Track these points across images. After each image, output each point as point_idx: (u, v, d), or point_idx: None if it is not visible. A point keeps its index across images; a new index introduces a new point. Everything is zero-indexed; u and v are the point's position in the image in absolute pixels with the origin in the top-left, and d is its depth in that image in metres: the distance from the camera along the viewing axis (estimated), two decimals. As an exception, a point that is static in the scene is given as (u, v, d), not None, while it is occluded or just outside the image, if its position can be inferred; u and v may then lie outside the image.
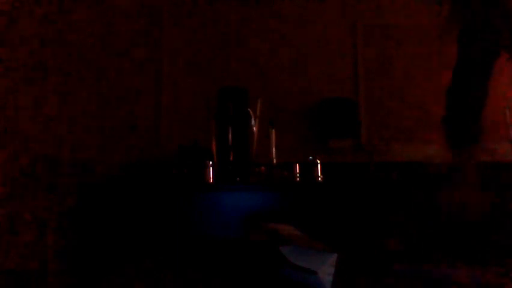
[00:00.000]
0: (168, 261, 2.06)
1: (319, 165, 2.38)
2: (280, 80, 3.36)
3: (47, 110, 2.44)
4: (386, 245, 2.18)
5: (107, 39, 3.01)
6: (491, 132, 2.70)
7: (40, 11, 2.37)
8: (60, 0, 2.52)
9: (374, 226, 2.22)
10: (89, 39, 2.81)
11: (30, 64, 2.30)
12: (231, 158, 2.38)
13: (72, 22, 2.64)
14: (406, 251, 2.16)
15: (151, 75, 3.33)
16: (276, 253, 1.80)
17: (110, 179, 2.58)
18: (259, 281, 1.84)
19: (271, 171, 2.45)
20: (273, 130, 2.54)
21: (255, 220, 2.15)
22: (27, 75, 2.30)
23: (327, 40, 3.43)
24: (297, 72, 3.38)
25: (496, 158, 2.82)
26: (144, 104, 3.25)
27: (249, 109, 2.50)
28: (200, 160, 2.37)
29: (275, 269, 1.81)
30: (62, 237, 2.33)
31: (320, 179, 2.37)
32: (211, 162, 2.33)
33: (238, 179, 2.36)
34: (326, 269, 1.75)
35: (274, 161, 2.50)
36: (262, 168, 2.46)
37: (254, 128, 2.52)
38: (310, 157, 2.42)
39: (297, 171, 2.37)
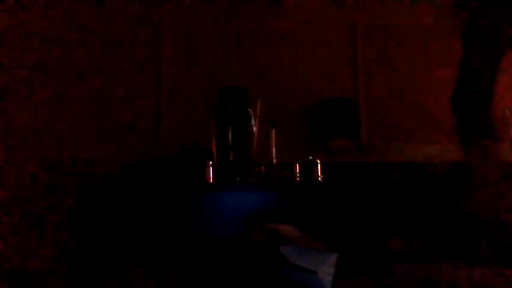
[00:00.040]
0: (168, 261, 2.06)
1: (319, 165, 2.37)
2: (280, 80, 3.36)
3: (47, 110, 2.44)
4: (386, 245, 2.18)
5: (107, 39, 3.01)
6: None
7: (41, 12, 2.37)
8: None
9: (374, 226, 2.22)
10: (89, 39, 2.81)
11: (30, 64, 2.30)
12: (231, 158, 2.38)
13: (72, 22, 2.64)
14: (406, 251, 2.16)
15: (151, 75, 3.32)
16: (276, 253, 1.80)
17: (110, 179, 2.58)
18: (259, 281, 1.84)
19: (271, 171, 2.45)
20: (273, 130, 2.54)
21: (255, 220, 2.15)
22: (27, 75, 2.30)
23: (327, 40, 3.42)
24: (297, 72, 3.38)
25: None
26: (144, 104, 3.25)
27: (249, 109, 2.50)
28: (200, 160, 2.37)
29: (275, 269, 1.81)
30: (62, 237, 2.33)
31: (320, 179, 2.36)
32: (211, 162, 2.32)
33: (238, 179, 2.36)
34: (326, 269, 1.75)
35: (274, 161, 2.50)
36: (262, 168, 2.45)
37: (254, 128, 2.52)
38: (310, 157, 2.42)
39: (297, 171, 2.37)
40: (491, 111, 2.46)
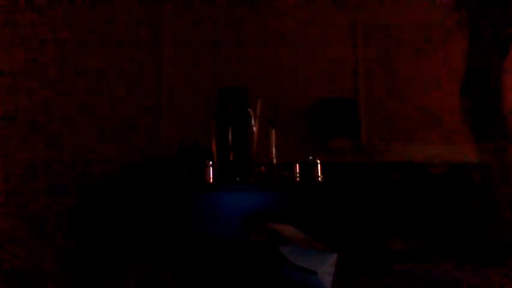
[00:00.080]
0: (168, 261, 2.06)
1: (319, 165, 2.38)
2: (280, 80, 3.36)
3: (47, 110, 2.44)
4: (386, 245, 2.18)
5: (107, 39, 3.01)
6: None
7: (40, 11, 2.37)
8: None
9: (374, 226, 2.22)
10: (89, 39, 2.81)
11: (30, 64, 2.30)
12: (231, 158, 2.38)
13: (72, 22, 2.64)
14: (406, 251, 2.16)
15: (151, 75, 3.33)
16: (276, 253, 1.80)
17: (110, 179, 2.58)
18: (259, 281, 1.84)
19: (271, 171, 2.45)
20: (273, 130, 2.54)
21: (255, 220, 2.15)
22: (27, 75, 2.30)
23: (327, 40, 3.42)
24: (297, 72, 3.38)
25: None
26: (144, 104, 3.25)
27: (249, 109, 2.50)
28: (200, 160, 2.37)
29: (275, 269, 1.81)
30: (62, 237, 2.33)
31: (320, 179, 2.37)
32: (211, 162, 2.32)
33: (238, 179, 2.36)
34: (326, 269, 1.75)
35: (274, 161, 2.50)
36: (262, 168, 2.46)
37: (254, 128, 2.52)
38: (310, 157, 2.42)
39: (297, 171, 2.37)
40: (502, 111, 2.44)
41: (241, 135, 2.43)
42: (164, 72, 3.36)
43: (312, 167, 2.38)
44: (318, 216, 2.21)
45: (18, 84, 2.22)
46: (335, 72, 3.39)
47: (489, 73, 2.44)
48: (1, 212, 2.09)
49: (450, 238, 2.19)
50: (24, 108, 2.26)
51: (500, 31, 2.40)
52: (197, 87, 3.31)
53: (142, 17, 3.31)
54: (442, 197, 2.29)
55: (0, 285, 2.02)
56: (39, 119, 2.39)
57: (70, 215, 2.39)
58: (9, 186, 2.15)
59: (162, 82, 3.35)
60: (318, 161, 2.38)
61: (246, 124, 2.48)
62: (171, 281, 1.93)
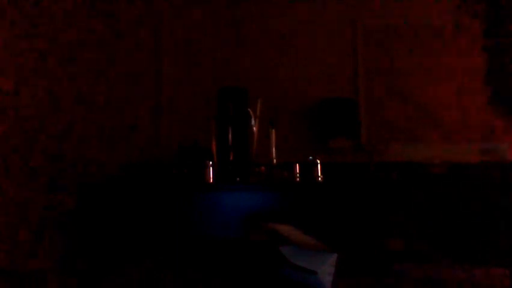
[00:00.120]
0: (168, 261, 2.06)
1: (319, 165, 2.37)
2: (280, 80, 3.36)
3: (47, 110, 2.44)
4: (386, 245, 2.18)
5: (107, 39, 3.01)
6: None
7: (40, 11, 2.37)
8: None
9: (374, 226, 2.22)
10: (89, 39, 2.81)
11: (31, 63, 2.30)
12: (231, 158, 2.38)
13: (72, 22, 2.64)
14: (406, 251, 2.16)
15: (151, 75, 3.33)
16: (276, 253, 1.80)
17: (110, 179, 2.58)
18: (259, 281, 1.84)
19: (271, 171, 2.45)
20: (273, 130, 2.54)
21: (255, 220, 2.15)
22: (27, 74, 2.30)
23: (327, 40, 3.42)
24: (297, 72, 3.38)
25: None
26: (144, 104, 3.25)
27: (249, 109, 2.50)
28: (200, 160, 2.36)
29: (275, 269, 1.81)
30: (62, 238, 2.33)
31: (320, 179, 2.36)
32: (211, 162, 2.32)
33: (238, 179, 2.36)
34: (326, 269, 1.75)
35: (274, 161, 2.50)
36: (262, 168, 2.45)
37: (254, 128, 2.52)
38: (310, 157, 2.41)
39: (297, 171, 2.37)
40: None
41: (241, 135, 2.43)
42: (164, 72, 3.36)
43: (312, 167, 2.37)
44: (318, 216, 2.21)
45: (19, 84, 2.22)
46: (335, 72, 3.39)
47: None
48: (1, 212, 2.09)
49: (450, 238, 2.19)
50: (24, 108, 2.26)
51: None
52: (197, 87, 3.31)
53: (142, 17, 3.31)
54: (442, 197, 2.29)
55: (0, 285, 2.02)
56: (40, 119, 2.39)
57: (69, 215, 2.39)
58: (9, 186, 2.15)
59: (162, 82, 3.35)
60: (318, 161, 2.38)
61: (246, 124, 2.48)
62: (171, 281, 1.93)
